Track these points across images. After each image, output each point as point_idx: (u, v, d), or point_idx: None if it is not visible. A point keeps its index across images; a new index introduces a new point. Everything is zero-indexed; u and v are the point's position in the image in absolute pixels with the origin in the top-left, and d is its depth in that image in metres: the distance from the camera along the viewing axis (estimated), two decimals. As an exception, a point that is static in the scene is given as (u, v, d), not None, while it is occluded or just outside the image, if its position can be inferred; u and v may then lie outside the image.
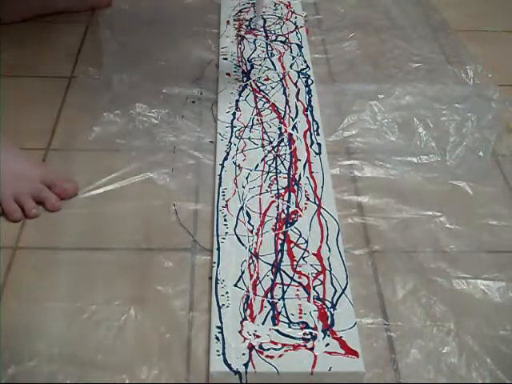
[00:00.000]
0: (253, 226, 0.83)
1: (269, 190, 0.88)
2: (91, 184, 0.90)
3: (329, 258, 0.79)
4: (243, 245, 0.80)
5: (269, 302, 0.74)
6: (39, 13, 1.08)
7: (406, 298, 0.77)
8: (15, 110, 1.02)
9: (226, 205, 0.86)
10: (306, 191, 0.88)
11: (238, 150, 0.95)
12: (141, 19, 1.25)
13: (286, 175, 0.90)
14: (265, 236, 0.82)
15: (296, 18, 1.27)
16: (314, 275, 0.77)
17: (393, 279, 0.80)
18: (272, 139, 0.97)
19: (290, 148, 0.95)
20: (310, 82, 1.09)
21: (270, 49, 1.17)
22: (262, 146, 0.96)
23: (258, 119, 1.00)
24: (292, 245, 0.81)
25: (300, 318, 0.72)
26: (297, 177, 0.90)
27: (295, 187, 0.89)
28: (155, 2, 1.30)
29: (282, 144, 0.96)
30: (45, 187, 0.86)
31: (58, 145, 0.97)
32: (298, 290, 0.75)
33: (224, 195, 0.87)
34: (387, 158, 0.97)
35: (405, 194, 0.91)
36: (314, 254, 0.79)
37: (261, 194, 0.87)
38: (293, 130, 0.99)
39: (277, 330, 0.71)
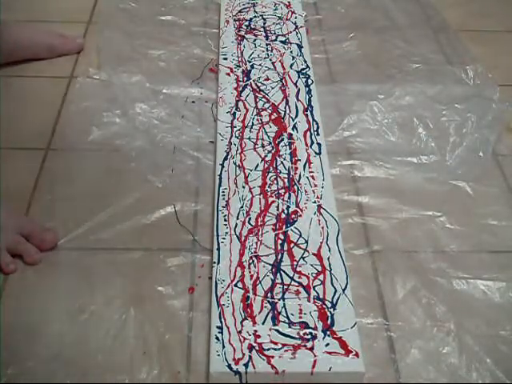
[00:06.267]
0: (253, 226, 0.83)
1: (269, 189, 0.88)
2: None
3: (329, 258, 0.79)
4: (243, 245, 0.80)
5: (269, 301, 0.74)
6: (8, 60, 1.10)
7: (405, 298, 0.77)
8: (15, 110, 1.02)
9: (226, 205, 0.86)
10: (305, 191, 0.88)
11: (238, 149, 0.95)
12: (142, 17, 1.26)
13: (286, 175, 0.90)
14: (265, 236, 0.82)
15: (296, 17, 1.27)
16: (314, 275, 0.77)
17: (393, 279, 0.80)
18: (272, 139, 0.97)
19: (290, 148, 0.95)
20: (310, 82, 1.09)
21: (269, 49, 1.17)
22: (262, 146, 0.96)
23: (257, 119, 1.00)
24: (292, 245, 0.81)
25: (300, 317, 0.72)
26: (297, 177, 0.90)
27: (295, 187, 0.89)
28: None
29: (282, 144, 0.96)
30: (22, 238, 0.79)
31: (58, 145, 0.97)
32: (298, 289, 0.75)
33: (224, 195, 0.87)
34: (387, 158, 0.97)
35: (405, 194, 0.91)
36: (314, 254, 0.79)
37: (261, 193, 0.87)
38: (293, 130, 0.99)
39: (277, 330, 0.71)
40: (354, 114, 1.05)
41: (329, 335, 0.70)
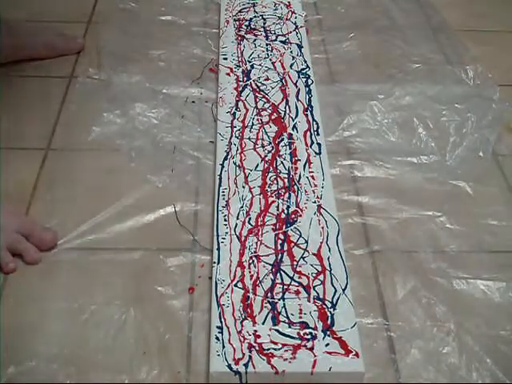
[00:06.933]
0: (253, 226, 0.83)
1: (269, 189, 0.88)
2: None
3: (329, 258, 0.79)
4: (243, 245, 0.80)
5: (269, 301, 0.74)
6: (8, 60, 1.10)
7: (406, 298, 0.77)
8: (15, 110, 1.02)
9: (226, 205, 0.86)
10: (305, 191, 0.88)
11: (238, 149, 0.95)
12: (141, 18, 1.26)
13: (286, 175, 0.90)
14: (265, 236, 0.82)
15: (296, 17, 1.27)
16: (314, 275, 0.77)
17: (393, 279, 0.80)
18: (272, 139, 0.97)
19: (290, 148, 0.95)
20: (310, 82, 1.09)
21: (269, 49, 1.17)
22: (262, 146, 0.96)
23: (257, 119, 1.00)
24: (292, 245, 0.81)
25: (300, 317, 0.72)
26: (297, 177, 0.90)
27: (295, 187, 0.89)
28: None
29: (282, 144, 0.96)
30: (22, 238, 0.79)
31: (58, 145, 0.97)
32: (298, 289, 0.75)
33: (224, 195, 0.87)
34: (387, 158, 0.97)
35: (405, 194, 0.91)
36: (314, 254, 0.79)
37: (261, 193, 0.87)
38: (293, 130, 0.99)
39: (277, 330, 0.71)
40: (354, 114, 1.05)
41: (329, 335, 0.70)
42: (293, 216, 0.84)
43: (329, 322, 0.72)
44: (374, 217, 0.88)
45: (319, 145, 0.96)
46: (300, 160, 0.93)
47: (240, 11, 1.28)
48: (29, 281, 0.77)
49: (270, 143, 0.96)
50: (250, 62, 1.13)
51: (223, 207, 0.85)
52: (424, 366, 0.70)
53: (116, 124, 1.00)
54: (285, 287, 0.75)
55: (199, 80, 1.11)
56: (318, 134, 0.98)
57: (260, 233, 0.82)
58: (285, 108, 1.03)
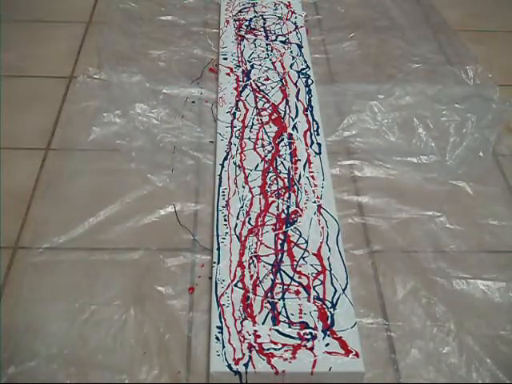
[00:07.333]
0: (253, 226, 0.83)
1: (269, 189, 0.88)
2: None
3: (329, 258, 0.79)
4: (243, 245, 0.80)
5: (269, 301, 0.74)
6: None
7: (406, 298, 0.77)
8: (15, 110, 1.02)
9: (226, 205, 0.86)
10: (305, 191, 0.88)
11: (238, 149, 0.95)
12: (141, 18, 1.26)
13: (286, 175, 0.90)
14: (265, 236, 0.82)
15: (296, 17, 1.27)
16: (314, 275, 0.77)
17: (393, 279, 0.80)
18: (272, 139, 0.97)
19: (290, 148, 0.95)
20: (310, 82, 1.09)
21: (269, 49, 1.17)
22: (262, 146, 0.95)
23: (257, 119, 1.00)
24: (292, 245, 0.81)
25: (300, 317, 0.72)
26: (297, 177, 0.90)
27: (295, 187, 0.89)
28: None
29: (282, 144, 0.96)
30: None
31: (58, 145, 0.97)
32: (298, 289, 0.75)
33: (224, 195, 0.87)
34: (387, 158, 0.97)
35: (405, 194, 0.91)
36: (314, 254, 0.79)
37: (261, 193, 0.87)
38: (293, 130, 0.99)
39: (277, 330, 0.71)
40: (354, 114, 1.05)
41: (329, 335, 0.70)
42: (293, 216, 0.84)
43: (329, 322, 0.72)
44: (374, 217, 0.88)
45: (319, 145, 0.96)
46: (300, 160, 0.93)
47: (240, 11, 1.28)
48: (29, 281, 0.77)
49: (270, 143, 0.96)
50: (250, 61, 1.13)
51: (223, 207, 0.85)
52: (424, 366, 0.71)
53: (116, 124, 1.00)
54: (285, 287, 0.75)
55: (199, 80, 1.11)
56: (318, 134, 0.98)
57: (260, 233, 0.82)
58: (285, 108, 1.03)
